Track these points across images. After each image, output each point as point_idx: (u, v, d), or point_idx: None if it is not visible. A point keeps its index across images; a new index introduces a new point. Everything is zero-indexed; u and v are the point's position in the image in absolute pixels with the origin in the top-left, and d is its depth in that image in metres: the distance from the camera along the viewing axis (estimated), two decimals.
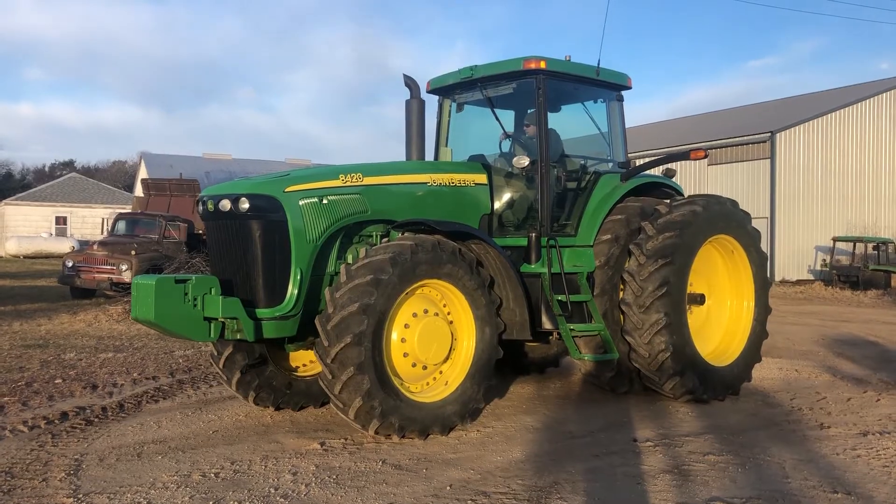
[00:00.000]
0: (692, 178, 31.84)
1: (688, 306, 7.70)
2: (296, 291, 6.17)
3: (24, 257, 43.80)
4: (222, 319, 5.92)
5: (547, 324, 7.18)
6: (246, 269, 6.23)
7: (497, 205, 7.67)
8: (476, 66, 8.00)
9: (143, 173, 51.28)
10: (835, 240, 28.03)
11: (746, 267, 8.17)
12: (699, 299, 8.02)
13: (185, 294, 5.83)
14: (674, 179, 8.73)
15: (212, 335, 5.96)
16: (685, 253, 7.45)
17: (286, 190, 6.26)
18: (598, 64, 8.03)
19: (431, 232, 6.40)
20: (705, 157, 7.99)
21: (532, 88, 7.59)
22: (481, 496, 4.87)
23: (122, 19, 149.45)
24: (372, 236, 6.76)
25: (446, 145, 8.52)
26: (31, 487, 4.98)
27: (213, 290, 5.93)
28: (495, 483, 5.14)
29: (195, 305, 5.86)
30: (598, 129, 8.39)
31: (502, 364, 8.34)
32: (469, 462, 5.61)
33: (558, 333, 7.27)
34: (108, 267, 17.74)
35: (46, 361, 9.83)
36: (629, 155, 8.59)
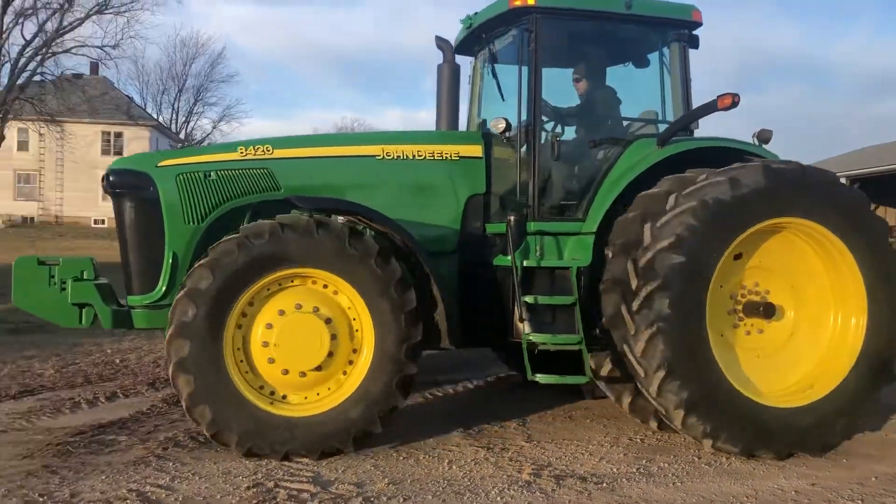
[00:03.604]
0: None
1: (744, 323, 5.77)
2: (168, 278, 5.66)
3: None
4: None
5: (518, 333, 5.82)
6: (123, 251, 5.88)
7: (498, 183, 6.31)
8: (476, 13, 6.64)
9: None
10: None
11: (850, 265, 5.63)
12: (767, 311, 5.72)
13: (52, 277, 5.57)
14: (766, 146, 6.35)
15: (83, 322, 5.64)
16: (697, 265, 5.27)
17: (159, 164, 5.79)
18: None
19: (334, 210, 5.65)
20: (733, 103, 5.77)
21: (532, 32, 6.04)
22: None
23: None
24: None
25: (479, 115, 7.19)
26: (495, 432, 6.19)
27: (84, 273, 5.63)
28: None
29: (63, 289, 5.58)
30: (660, 80, 6.63)
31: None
32: (894, 459, 5.59)
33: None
34: None
35: None
36: None
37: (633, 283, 5.31)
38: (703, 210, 5.27)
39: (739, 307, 5.78)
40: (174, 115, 54.25)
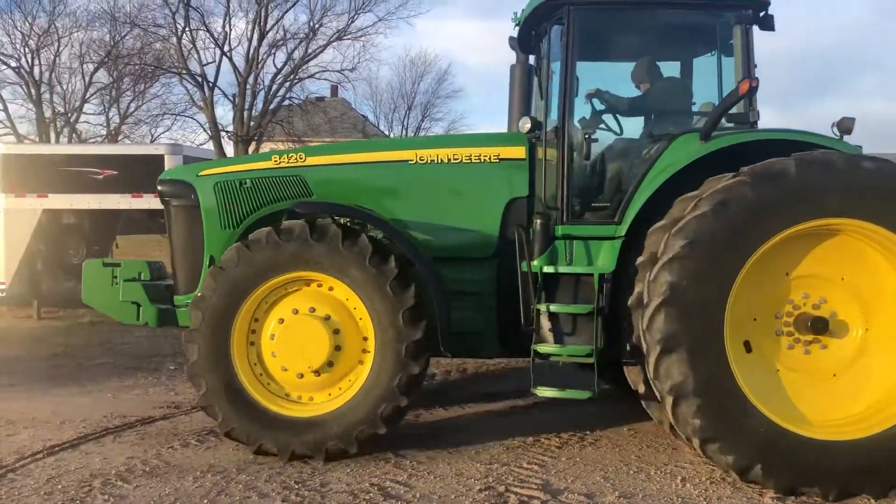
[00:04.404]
0: None
1: (795, 341, 4.98)
2: None
3: None
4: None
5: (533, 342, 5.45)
6: (171, 254, 6.32)
7: (542, 186, 5.80)
8: (524, 9, 6.21)
9: None
10: None
11: None
12: (817, 327, 4.90)
13: (114, 277, 6.13)
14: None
15: (139, 319, 6.08)
16: (710, 277, 4.73)
17: (200, 174, 6.15)
18: None
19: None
20: (751, 88, 5.23)
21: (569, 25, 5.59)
22: None
23: None
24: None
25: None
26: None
27: (141, 274, 6.18)
28: None
29: None
30: (717, 69, 6.03)
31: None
32: None
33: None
34: None
35: None
36: None
37: (645, 299, 4.93)
38: (717, 215, 4.73)
39: (791, 321, 5.03)
40: (403, 132, 57.08)
